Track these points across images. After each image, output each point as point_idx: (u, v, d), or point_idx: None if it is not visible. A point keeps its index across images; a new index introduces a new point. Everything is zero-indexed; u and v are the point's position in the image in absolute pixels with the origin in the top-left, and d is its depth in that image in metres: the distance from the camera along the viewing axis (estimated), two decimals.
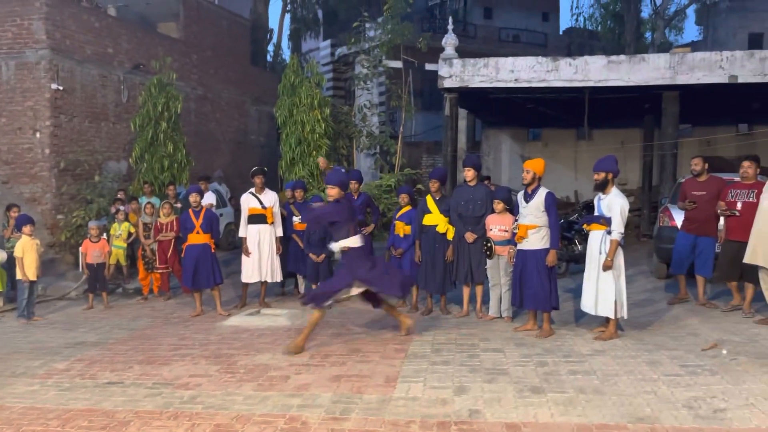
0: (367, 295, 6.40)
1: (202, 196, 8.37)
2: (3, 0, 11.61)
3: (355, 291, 6.23)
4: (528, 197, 6.48)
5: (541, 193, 6.43)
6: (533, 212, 6.41)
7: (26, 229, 8.20)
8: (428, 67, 16.12)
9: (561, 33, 33.90)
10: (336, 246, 6.18)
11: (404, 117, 13.11)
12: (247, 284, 8.36)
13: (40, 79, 11.46)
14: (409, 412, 4.44)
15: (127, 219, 10.14)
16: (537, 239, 6.42)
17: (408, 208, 7.98)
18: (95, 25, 12.63)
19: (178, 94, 12.01)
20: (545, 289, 6.38)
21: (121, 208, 10.27)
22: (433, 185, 7.61)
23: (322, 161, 7.40)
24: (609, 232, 6.13)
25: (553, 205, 6.41)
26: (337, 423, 4.28)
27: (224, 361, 5.88)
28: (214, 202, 10.86)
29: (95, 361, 6.04)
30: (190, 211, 8.12)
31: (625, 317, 6.34)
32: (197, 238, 8.02)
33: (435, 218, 7.54)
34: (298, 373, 5.45)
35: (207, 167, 15.32)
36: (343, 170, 6.65)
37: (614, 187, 6.28)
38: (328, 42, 24.55)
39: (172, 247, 9.24)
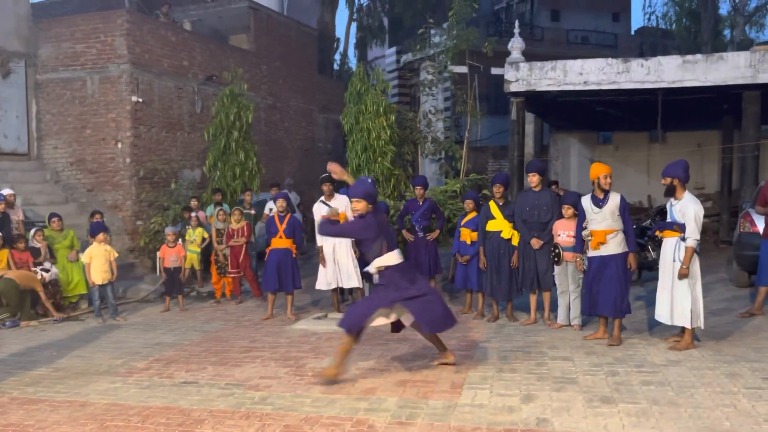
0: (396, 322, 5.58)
1: (288, 202, 8.58)
2: (87, 18, 12.31)
3: (394, 317, 5.47)
4: (601, 202, 6.36)
5: (615, 197, 6.36)
6: (609, 216, 6.32)
7: (100, 236, 8.61)
8: (494, 71, 16.04)
9: (632, 33, 32.87)
10: (371, 267, 5.42)
11: (470, 122, 13.04)
12: (335, 290, 8.34)
13: (121, 92, 12.07)
14: (475, 418, 4.43)
15: (200, 225, 10.54)
16: (616, 244, 6.33)
17: (474, 214, 7.94)
18: (172, 40, 13.21)
19: (249, 103, 12.39)
20: (621, 294, 6.29)
21: (195, 214, 10.68)
22: (497, 190, 7.55)
23: (333, 167, 5.92)
24: (683, 239, 5.93)
25: (626, 208, 6.40)
26: (403, 427, 4.31)
27: (293, 364, 6.03)
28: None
29: (172, 361, 6.30)
30: (275, 216, 8.36)
31: (702, 327, 6.10)
32: (280, 242, 8.24)
33: (499, 224, 7.47)
34: (364, 377, 5.53)
35: (276, 174, 15.71)
36: (369, 180, 5.73)
37: (686, 191, 6.07)
38: (393, 49, 24.74)
39: (243, 252, 9.53)
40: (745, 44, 23.85)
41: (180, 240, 9.97)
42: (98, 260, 8.46)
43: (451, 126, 15.94)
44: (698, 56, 11.30)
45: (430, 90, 12.95)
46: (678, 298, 5.97)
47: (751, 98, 11.22)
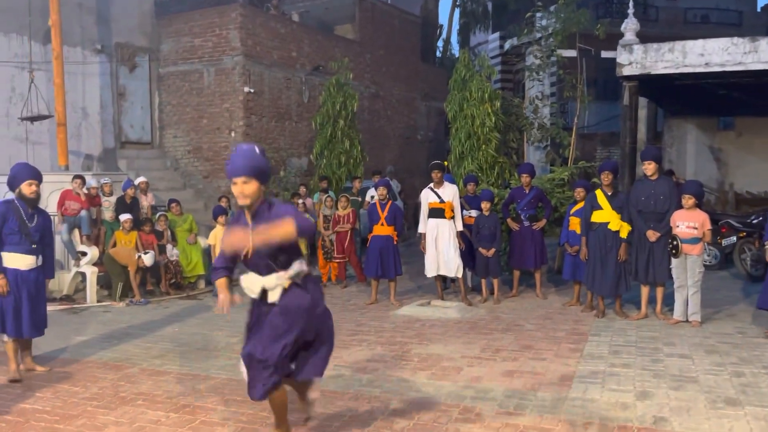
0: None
1: (390, 190, 8.69)
2: (205, 13, 12.97)
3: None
4: None
5: None
6: None
7: (220, 219, 9.12)
8: (604, 54, 15.30)
9: (759, 10, 30.30)
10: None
11: (579, 108, 12.56)
12: (438, 278, 8.32)
13: (235, 83, 12.66)
14: (587, 413, 4.31)
15: (307, 211, 10.86)
16: None
17: (584, 203, 7.67)
18: (281, 32, 13.65)
19: (355, 92, 12.61)
20: None
21: (302, 201, 11.02)
22: (605, 178, 7.22)
23: None
24: None
25: None
26: (512, 418, 4.27)
27: (399, 349, 6.11)
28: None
29: None
30: (377, 203, 8.50)
31: None
32: (382, 229, 8.37)
33: (606, 214, 7.13)
34: (470, 365, 5.52)
35: (378, 162, 15.91)
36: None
37: None
38: (497, 34, 24.24)
39: (349, 238, 9.75)
40: None
41: None
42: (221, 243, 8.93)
43: (557, 112, 15.45)
44: None
45: (537, 75, 12.57)
46: None
47: None
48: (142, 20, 13.19)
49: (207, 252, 9.66)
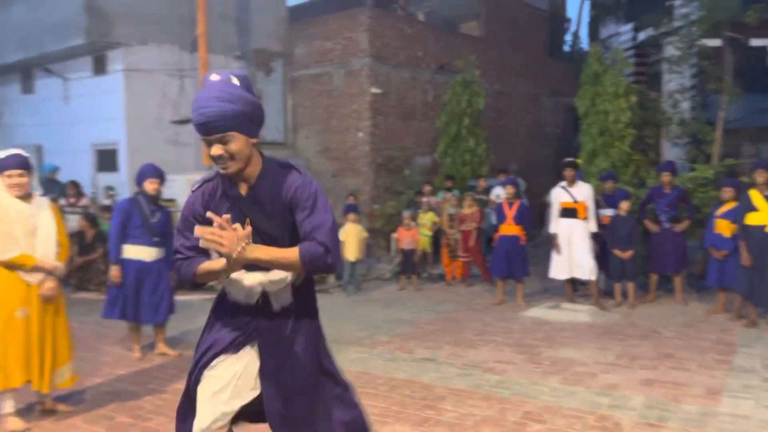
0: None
1: (518, 188, 8.57)
2: (335, 18, 13.41)
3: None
4: None
5: None
6: None
7: (350, 216, 9.41)
8: (753, 42, 14.07)
9: None
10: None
11: (725, 101, 11.63)
12: (568, 280, 8.10)
13: (362, 84, 12.98)
14: (738, 429, 4.01)
15: (431, 209, 10.94)
16: None
17: (732, 204, 7.12)
18: (407, 32, 13.82)
19: (481, 90, 12.50)
20: None
21: (427, 199, 11.11)
22: (761, 176, 6.64)
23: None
24: None
25: None
26: (654, 429, 4.07)
27: (528, 351, 6.01)
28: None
29: (411, 337, 6.67)
30: (504, 202, 8.41)
31: None
32: (509, 229, 8.27)
33: (763, 216, 6.56)
34: (605, 372, 5.31)
35: (502, 160, 15.66)
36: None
37: None
38: (630, 25, 22.99)
39: (474, 237, 9.70)
40: None
41: (414, 223, 10.46)
42: (351, 238, 9.24)
43: (700, 106, 14.41)
44: None
45: (677, 67, 11.81)
46: None
47: None
48: (278, 26, 13.88)
49: None
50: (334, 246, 2.29)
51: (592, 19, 24.70)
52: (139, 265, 5.71)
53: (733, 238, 6.97)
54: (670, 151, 14.86)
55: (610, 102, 10.24)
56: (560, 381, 5.10)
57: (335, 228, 2.34)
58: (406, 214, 10.04)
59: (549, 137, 18.68)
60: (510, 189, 8.34)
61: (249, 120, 2.25)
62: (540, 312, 7.70)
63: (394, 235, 10.20)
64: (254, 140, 2.32)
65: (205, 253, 2.35)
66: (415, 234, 9.91)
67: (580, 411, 4.43)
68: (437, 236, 10.88)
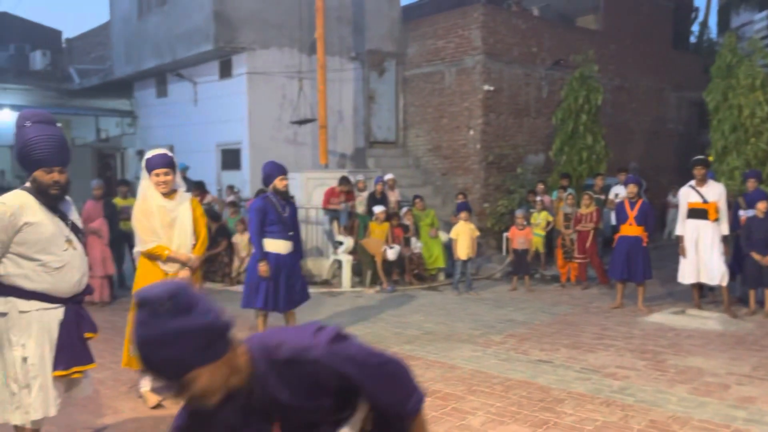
0: None
1: (641, 188, 8.19)
2: (448, 16, 13.40)
3: None
4: None
5: None
6: None
7: (462, 215, 9.37)
8: None
9: None
10: None
11: None
12: (695, 285, 7.64)
13: (474, 81, 12.88)
14: None
15: (545, 208, 10.68)
16: None
17: None
18: (521, 28, 13.55)
19: (599, 86, 12.05)
20: None
21: (540, 198, 10.86)
22: None
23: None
24: None
25: None
26: None
27: (651, 358, 5.73)
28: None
29: (525, 338, 6.55)
30: (626, 201, 8.07)
31: None
32: (630, 229, 7.92)
33: None
34: (739, 383, 4.97)
35: (622, 159, 14.98)
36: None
37: None
38: (765, 13, 21.24)
39: (591, 237, 9.37)
40: None
41: (527, 222, 10.26)
42: (464, 237, 9.23)
43: None
44: None
45: None
46: None
47: None
48: (391, 27, 14.08)
49: (447, 246, 10.00)
50: None
51: (721, 8, 23.04)
52: (277, 258, 6.01)
53: None
54: None
55: (745, 95, 9.55)
56: (689, 391, 4.83)
57: None
58: (519, 213, 9.86)
59: (671, 134, 17.65)
60: (633, 188, 7.97)
61: None
62: (664, 317, 7.30)
63: (507, 235, 10.05)
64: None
65: None
66: (528, 234, 9.72)
67: (712, 423, 4.17)
68: (551, 236, 10.61)
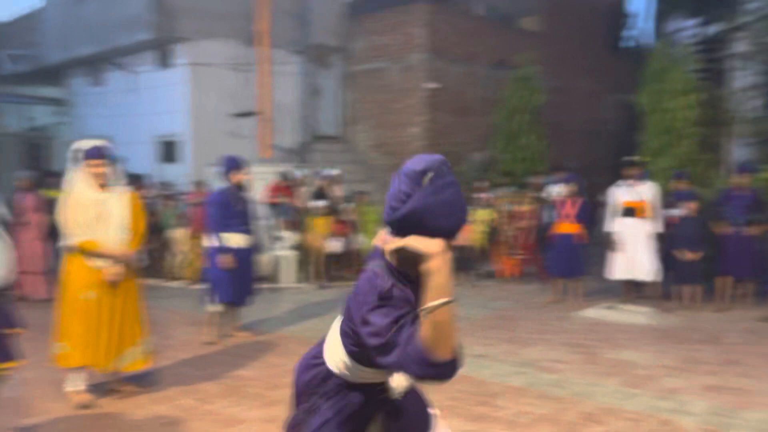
0: None
1: (581, 186, 8.42)
2: (393, 12, 13.37)
3: None
4: None
5: None
6: None
7: None
8: None
9: None
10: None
11: None
12: (628, 281, 7.94)
13: (418, 79, 12.97)
14: None
15: (487, 206, 10.86)
16: None
17: None
18: (465, 27, 13.73)
19: (540, 86, 12.33)
20: None
21: (482, 195, 11.02)
22: None
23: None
24: None
25: None
26: None
27: (585, 351, 5.92)
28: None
29: (466, 333, 6.64)
30: (564, 199, 8.29)
31: None
32: (568, 227, 8.14)
33: None
34: (667, 375, 5.19)
35: (559, 157, 15.38)
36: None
37: None
38: (696, 20, 22.21)
39: (530, 234, 9.59)
40: None
41: (469, 220, 10.42)
42: None
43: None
44: None
45: (744, 64, 11.35)
46: None
47: None
48: (336, 22, 14.02)
49: None
50: None
51: (656, 14, 23.98)
52: (237, 251, 6.02)
53: None
54: (738, 152, 14.32)
55: (675, 99, 9.95)
56: (620, 383, 5.01)
57: None
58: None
59: (609, 135, 18.25)
60: (572, 186, 8.20)
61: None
62: (597, 312, 7.56)
63: None
64: None
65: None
66: (470, 230, 9.86)
67: (640, 414, 4.34)
68: (492, 233, 10.79)
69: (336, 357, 2.15)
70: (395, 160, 13.51)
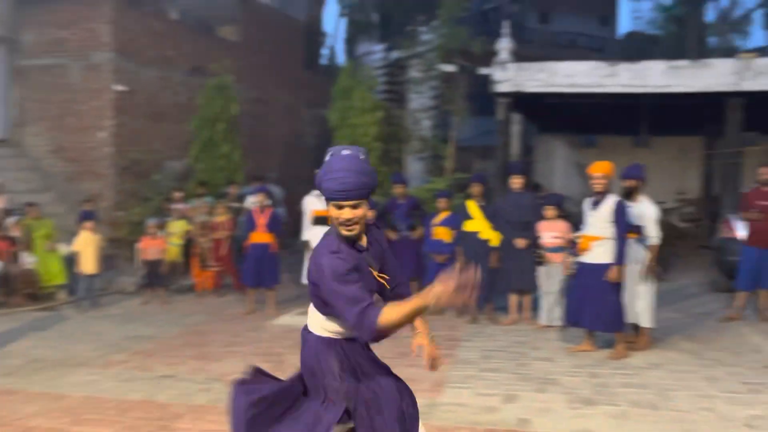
0: None
1: (270, 197, 8.50)
2: (73, 5, 12.06)
3: None
4: (595, 205, 5.89)
5: (610, 202, 5.78)
6: (599, 223, 5.81)
7: (86, 224, 8.55)
8: (482, 71, 16.04)
9: (619, 37, 33.10)
10: None
11: (456, 121, 13.04)
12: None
13: (105, 80, 11.88)
14: (457, 418, 4.42)
15: (182, 217, 10.42)
16: (602, 253, 5.77)
17: (447, 213, 7.91)
18: (157, 29, 13.03)
19: (235, 96, 12.28)
20: (607, 308, 5.74)
21: (177, 206, 10.55)
22: (475, 189, 7.53)
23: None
24: (641, 240, 5.97)
25: (622, 215, 5.71)
26: None
27: (275, 359, 5.97)
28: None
29: (151, 354, 6.22)
30: (256, 210, 8.29)
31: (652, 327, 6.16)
32: (260, 237, 8.16)
33: (477, 224, 7.44)
34: None
35: (260, 168, 15.58)
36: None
37: (642, 195, 6.13)
38: (383, 46, 24.64)
39: (225, 245, 9.45)
40: (730, 52, 24.10)
41: (162, 232, 9.86)
42: (89, 249, 8.36)
43: (439, 124, 15.92)
44: (684, 62, 11.38)
45: (418, 88, 12.92)
46: (637, 298, 6.01)
47: (735, 106, 11.31)
48: (1, 8, 12.10)
49: (69, 260, 8.97)
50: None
51: (347, 36, 25.98)
52: None
53: (450, 243, 7.73)
54: (415, 165, 16.22)
55: (359, 116, 10.81)
56: None
57: None
58: (151, 222, 9.40)
59: (307, 148, 19.10)
60: (261, 197, 8.28)
61: (372, 190, 2.52)
62: (290, 319, 7.74)
63: (138, 245, 9.49)
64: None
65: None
66: (161, 243, 9.33)
67: None
68: (188, 245, 10.38)
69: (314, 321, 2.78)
70: (78, 167, 12.17)
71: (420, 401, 4.70)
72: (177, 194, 11.02)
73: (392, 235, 8.48)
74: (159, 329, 7.39)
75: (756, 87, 10.80)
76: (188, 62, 13.71)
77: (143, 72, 12.61)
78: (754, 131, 17.22)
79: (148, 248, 9.19)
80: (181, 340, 6.81)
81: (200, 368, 5.71)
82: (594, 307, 5.80)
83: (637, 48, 29.06)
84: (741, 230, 8.12)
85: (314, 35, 21.71)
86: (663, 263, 11.15)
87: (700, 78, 11.03)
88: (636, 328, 6.16)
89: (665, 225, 16.77)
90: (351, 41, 26.40)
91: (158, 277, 9.21)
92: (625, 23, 62.38)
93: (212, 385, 5.21)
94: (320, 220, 8.08)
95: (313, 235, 8.06)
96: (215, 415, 4.50)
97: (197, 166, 11.98)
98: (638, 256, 6.02)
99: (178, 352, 6.28)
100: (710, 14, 27.20)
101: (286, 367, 5.69)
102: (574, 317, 6.06)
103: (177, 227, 10.27)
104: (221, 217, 9.46)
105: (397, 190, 8.53)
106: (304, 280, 8.12)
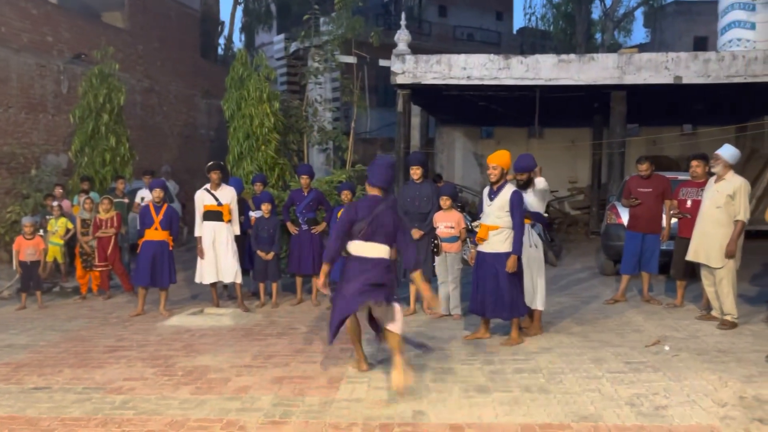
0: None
1: (166, 192, 8.01)
2: None
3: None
4: (493, 195, 5.90)
5: (506, 192, 5.80)
6: (496, 212, 5.80)
7: None
8: (382, 63, 16.00)
9: (514, 32, 34.28)
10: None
11: (356, 113, 12.94)
12: (214, 284, 7.94)
13: None
14: (352, 414, 4.32)
15: (63, 215, 9.71)
16: (499, 242, 5.80)
17: None
18: (33, 13, 12.06)
19: (121, 85, 11.57)
20: (507, 296, 5.79)
21: (57, 203, 9.82)
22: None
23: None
24: (533, 225, 6.14)
25: (519, 205, 5.75)
26: (277, 427, 4.12)
27: (162, 363, 5.64)
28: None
29: (23, 364, 5.70)
30: (151, 206, 7.81)
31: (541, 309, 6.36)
32: (155, 234, 7.71)
33: None
34: (239, 375, 5.26)
35: (154, 162, 14.85)
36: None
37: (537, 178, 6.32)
38: (281, 36, 24.14)
39: (112, 244, 8.87)
40: (614, 48, 25.50)
41: (41, 231, 9.14)
42: None
43: (340, 116, 15.78)
44: (572, 56, 11.86)
45: (317, 78, 12.68)
46: (531, 281, 6.19)
47: (618, 98, 11.94)
48: None
49: None
50: None
51: (244, 26, 25.26)
52: None
53: None
54: (316, 157, 15.98)
55: (255, 107, 10.46)
56: (192, 391, 4.87)
57: None
58: (26, 221, 8.68)
59: (203, 139, 18.42)
60: (158, 192, 7.81)
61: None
62: (182, 320, 7.37)
63: (14, 246, 8.74)
64: None
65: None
66: (38, 243, 8.63)
67: (208, 420, 4.26)
68: (72, 245, 9.69)
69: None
70: None
71: (315, 399, 4.60)
72: (58, 190, 10.28)
73: (293, 229, 8.26)
74: (35, 337, 6.81)
75: (637, 80, 11.44)
76: (70, 49, 12.80)
77: (17, 59, 11.64)
78: (636, 124, 18.36)
79: (24, 249, 8.48)
80: (59, 348, 6.30)
81: (78, 377, 5.28)
82: (493, 296, 5.86)
83: (531, 43, 30.18)
84: (625, 216, 8.53)
85: (210, 24, 20.93)
86: (555, 250, 11.65)
87: (586, 71, 11.54)
88: (530, 314, 6.30)
89: (558, 213, 17.51)
90: (248, 30, 25.70)
91: (36, 280, 8.52)
92: (519, 19, 64.71)
93: (91, 395, 4.82)
94: (212, 215, 7.74)
95: (204, 231, 7.73)
96: (91, 428, 4.17)
97: (80, 159, 11.19)
98: (533, 239, 6.16)
99: (54, 361, 5.80)
100: (596, 12, 28.63)
101: (175, 371, 5.39)
102: (477, 307, 6.09)
103: (58, 225, 9.57)
104: (107, 214, 8.87)
105: (303, 181, 8.30)
106: (198, 279, 7.80)
